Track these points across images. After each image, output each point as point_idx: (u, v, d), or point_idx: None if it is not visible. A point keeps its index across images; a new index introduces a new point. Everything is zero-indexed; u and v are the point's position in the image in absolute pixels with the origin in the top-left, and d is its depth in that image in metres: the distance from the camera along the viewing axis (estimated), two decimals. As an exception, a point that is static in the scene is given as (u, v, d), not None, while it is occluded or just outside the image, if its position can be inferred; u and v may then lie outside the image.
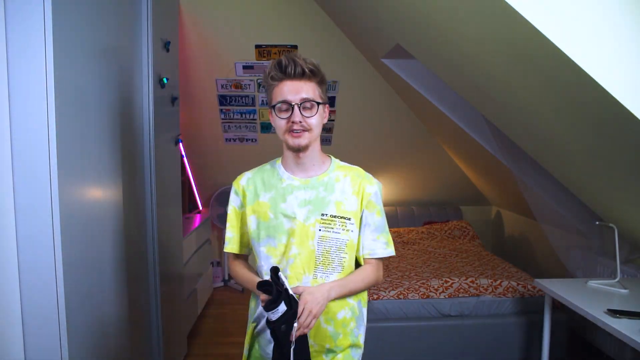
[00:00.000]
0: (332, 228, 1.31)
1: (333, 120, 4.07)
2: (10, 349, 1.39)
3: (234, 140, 4.17)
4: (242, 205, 1.38)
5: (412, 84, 3.19)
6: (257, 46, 3.58)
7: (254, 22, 3.49)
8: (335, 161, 1.40)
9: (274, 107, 1.29)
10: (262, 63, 3.66)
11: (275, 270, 1.18)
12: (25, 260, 1.38)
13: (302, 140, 1.28)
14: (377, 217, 1.36)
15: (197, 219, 3.77)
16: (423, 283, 2.86)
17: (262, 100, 3.92)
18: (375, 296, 2.75)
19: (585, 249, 3.01)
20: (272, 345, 1.20)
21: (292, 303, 1.14)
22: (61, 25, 1.40)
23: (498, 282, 2.82)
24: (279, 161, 1.40)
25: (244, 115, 4.01)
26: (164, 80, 2.37)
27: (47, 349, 1.41)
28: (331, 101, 3.94)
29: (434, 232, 4.27)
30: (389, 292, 2.78)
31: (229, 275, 4.58)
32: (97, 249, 1.70)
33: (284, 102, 1.27)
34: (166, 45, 2.43)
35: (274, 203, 1.33)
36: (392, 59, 3.12)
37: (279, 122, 1.29)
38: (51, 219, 1.39)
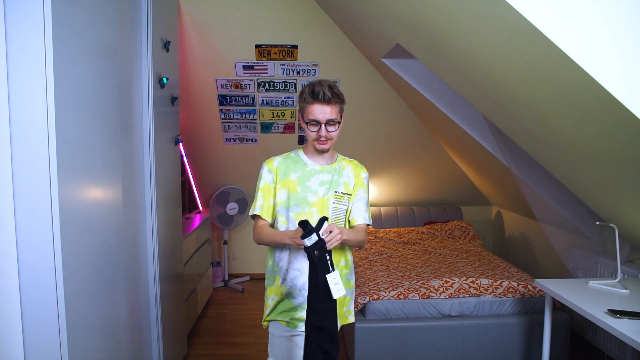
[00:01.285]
0: (341, 201, 1.82)
1: (333, 120, 4.06)
2: (10, 348, 1.38)
3: (234, 140, 4.17)
4: (273, 181, 1.81)
5: (412, 83, 3.19)
6: (257, 46, 3.58)
7: (254, 22, 3.48)
8: (340, 155, 1.92)
9: (307, 122, 1.74)
10: (262, 63, 3.66)
11: (305, 221, 1.61)
12: (25, 260, 1.38)
13: (326, 146, 1.78)
14: (366, 195, 1.90)
15: (197, 219, 3.77)
16: (423, 283, 2.86)
17: (262, 100, 3.92)
18: (375, 296, 2.75)
19: (586, 249, 3.01)
20: (300, 275, 1.76)
21: (322, 240, 1.58)
22: (61, 26, 1.40)
23: (498, 282, 2.82)
24: (300, 150, 1.87)
25: (244, 115, 4.01)
26: (164, 80, 2.37)
27: (47, 349, 1.41)
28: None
29: (434, 232, 4.27)
30: (389, 292, 2.78)
31: (229, 275, 4.59)
32: (97, 249, 1.70)
33: (314, 120, 1.72)
34: (166, 45, 2.43)
35: (301, 181, 1.80)
36: (392, 58, 3.12)
37: (310, 134, 1.76)
38: (51, 219, 1.39)
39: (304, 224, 1.60)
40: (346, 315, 1.90)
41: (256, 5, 3.41)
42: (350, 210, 1.87)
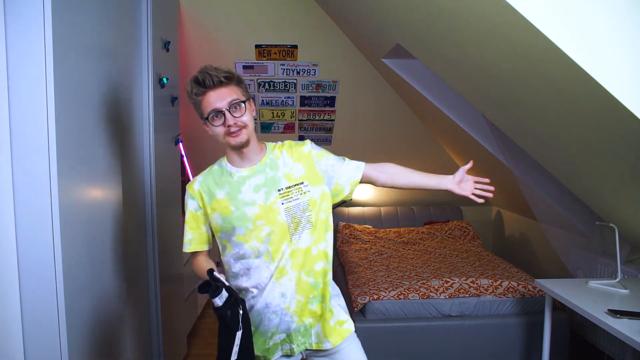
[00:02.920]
0: (292, 197, 1.46)
1: (333, 120, 4.07)
2: (10, 348, 1.39)
3: (234, 140, 4.17)
4: (200, 207, 1.50)
5: (412, 83, 3.19)
6: (257, 46, 3.58)
7: (254, 22, 3.48)
8: (269, 144, 1.56)
9: (207, 119, 1.42)
10: (262, 63, 3.66)
11: (210, 272, 1.34)
12: (25, 260, 1.38)
13: (242, 137, 1.42)
14: (330, 157, 1.56)
15: (197, 219, 3.76)
16: (423, 283, 2.86)
17: (262, 100, 3.92)
18: (375, 296, 2.75)
19: (586, 249, 3.01)
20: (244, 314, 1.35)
21: (232, 292, 1.30)
22: (61, 25, 1.40)
23: (498, 282, 2.82)
24: (224, 160, 1.54)
25: (244, 115, 4.01)
26: (164, 80, 2.37)
27: (46, 349, 1.41)
28: (331, 101, 3.94)
29: (434, 232, 4.27)
30: (389, 292, 2.78)
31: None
32: (97, 249, 1.70)
33: (214, 110, 1.40)
34: (166, 45, 2.43)
35: (231, 197, 1.46)
36: (392, 58, 3.12)
37: (217, 130, 1.42)
38: (51, 219, 1.39)
39: (205, 286, 1.28)
40: (337, 328, 1.53)
41: (256, 6, 3.41)
42: (341, 182, 1.54)
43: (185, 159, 4.07)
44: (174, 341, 2.64)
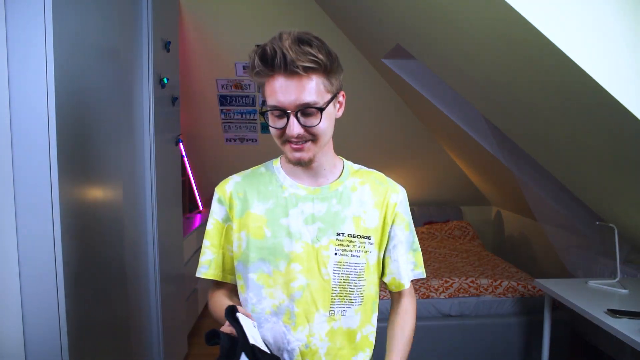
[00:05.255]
0: (351, 251, 1.04)
1: (333, 120, 4.06)
2: (11, 348, 1.39)
3: (234, 140, 4.17)
4: (228, 219, 1.07)
5: (412, 84, 3.19)
6: (257, 46, 3.58)
7: (254, 22, 3.49)
8: (349, 164, 1.12)
9: (265, 111, 0.99)
10: (263, 63, 3.67)
11: (231, 311, 0.87)
12: (26, 260, 1.39)
13: (305, 154, 0.99)
14: (407, 232, 1.10)
15: (198, 219, 3.77)
16: (423, 283, 2.86)
17: (263, 101, 3.92)
18: (375, 296, 2.75)
19: (585, 249, 3.01)
20: None
21: (258, 355, 0.83)
22: (61, 26, 1.40)
23: (498, 282, 2.82)
24: (276, 162, 1.10)
25: (244, 116, 4.02)
26: (164, 80, 2.37)
27: (47, 349, 1.41)
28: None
29: (434, 232, 4.27)
30: (389, 292, 2.78)
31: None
32: (98, 248, 1.70)
33: (277, 107, 0.95)
34: (166, 46, 2.43)
35: (272, 217, 1.04)
36: (392, 59, 3.12)
37: (274, 131, 0.99)
38: (52, 219, 1.39)
39: (215, 337, 0.87)
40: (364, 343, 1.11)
41: (256, 6, 3.42)
42: (387, 265, 1.11)
43: (185, 159, 4.08)
44: (174, 341, 2.64)
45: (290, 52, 0.91)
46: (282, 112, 0.95)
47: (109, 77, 1.80)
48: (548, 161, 2.56)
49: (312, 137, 0.97)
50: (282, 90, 0.93)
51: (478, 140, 3.30)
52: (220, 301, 1.09)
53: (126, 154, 1.98)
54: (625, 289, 2.16)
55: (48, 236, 1.39)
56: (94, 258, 1.66)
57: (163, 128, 2.42)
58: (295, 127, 0.95)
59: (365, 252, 1.05)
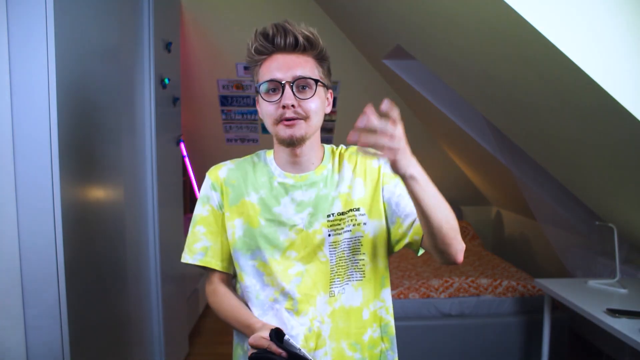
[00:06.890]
0: (342, 228, 1.04)
1: (334, 120, 4.08)
2: (12, 348, 1.39)
3: (235, 140, 4.18)
4: (222, 205, 1.07)
5: (412, 84, 3.20)
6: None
7: (255, 23, 3.48)
8: (328, 148, 1.12)
9: (260, 90, 1.00)
10: (263, 63, 3.67)
11: (279, 336, 0.86)
12: (27, 259, 1.39)
13: (297, 131, 0.98)
14: (403, 185, 0.97)
15: (198, 219, 3.77)
16: (423, 283, 2.86)
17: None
18: (375, 296, 2.76)
19: (585, 249, 3.02)
20: None
21: None
22: (63, 26, 1.41)
23: (498, 281, 2.83)
24: (270, 154, 1.11)
25: (245, 116, 4.02)
26: (166, 80, 2.38)
27: (48, 349, 1.42)
28: (332, 101, 3.95)
29: (434, 232, 4.28)
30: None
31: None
32: (99, 248, 1.71)
33: (272, 80, 0.97)
34: (167, 46, 2.44)
35: (264, 206, 1.04)
36: (392, 59, 3.13)
37: (267, 108, 0.99)
38: (53, 219, 1.39)
39: (279, 343, 0.88)
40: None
41: (257, 6, 3.42)
42: (402, 223, 1.06)
43: (186, 159, 4.08)
44: (175, 341, 2.65)
45: (290, 27, 0.99)
46: (277, 85, 0.98)
47: (111, 77, 1.81)
48: (548, 161, 2.57)
49: (304, 114, 0.99)
50: (279, 67, 0.98)
51: (478, 140, 3.31)
52: (230, 300, 1.07)
53: (127, 154, 1.99)
54: (624, 288, 2.17)
55: (49, 236, 1.40)
56: (95, 257, 1.67)
57: (164, 128, 2.43)
58: (289, 96, 0.97)
59: (358, 224, 1.05)
